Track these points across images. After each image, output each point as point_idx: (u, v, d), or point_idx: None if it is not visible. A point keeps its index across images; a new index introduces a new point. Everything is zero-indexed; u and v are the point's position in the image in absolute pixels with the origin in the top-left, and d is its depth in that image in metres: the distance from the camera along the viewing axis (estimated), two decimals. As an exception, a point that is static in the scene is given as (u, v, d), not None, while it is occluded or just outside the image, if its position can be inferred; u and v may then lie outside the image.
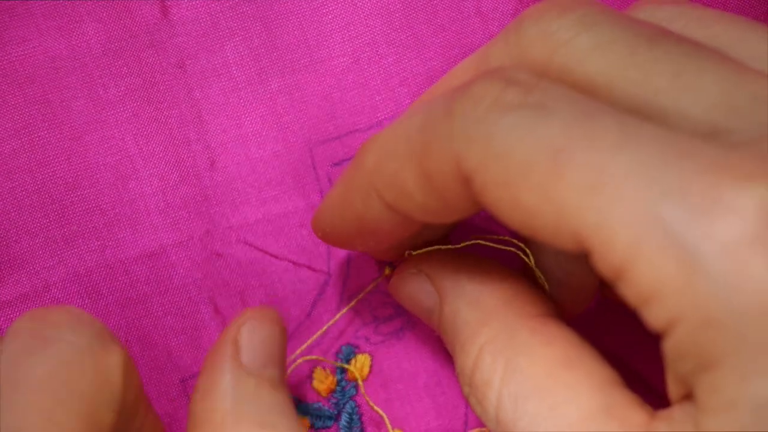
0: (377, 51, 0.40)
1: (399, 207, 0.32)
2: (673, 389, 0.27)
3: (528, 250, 0.36)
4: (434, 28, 0.40)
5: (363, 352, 0.40)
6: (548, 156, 0.27)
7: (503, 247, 0.36)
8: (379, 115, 0.40)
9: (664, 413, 0.28)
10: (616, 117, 0.27)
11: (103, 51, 0.38)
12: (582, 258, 0.35)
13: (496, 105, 0.28)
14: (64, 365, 0.29)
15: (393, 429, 0.39)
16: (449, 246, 0.37)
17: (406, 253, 0.37)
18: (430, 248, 0.37)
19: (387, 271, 0.39)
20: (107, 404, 0.30)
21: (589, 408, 0.29)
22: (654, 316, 0.26)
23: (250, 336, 0.35)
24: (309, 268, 0.39)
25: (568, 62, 0.30)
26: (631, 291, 0.26)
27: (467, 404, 0.40)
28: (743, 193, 0.25)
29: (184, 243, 0.39)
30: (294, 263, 0.39)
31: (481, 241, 0.37)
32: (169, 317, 0.39)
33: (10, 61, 0.38)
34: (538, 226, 0.28)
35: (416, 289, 0.36)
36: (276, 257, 0.39)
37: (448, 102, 0.29)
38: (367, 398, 0.39)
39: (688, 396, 0.27)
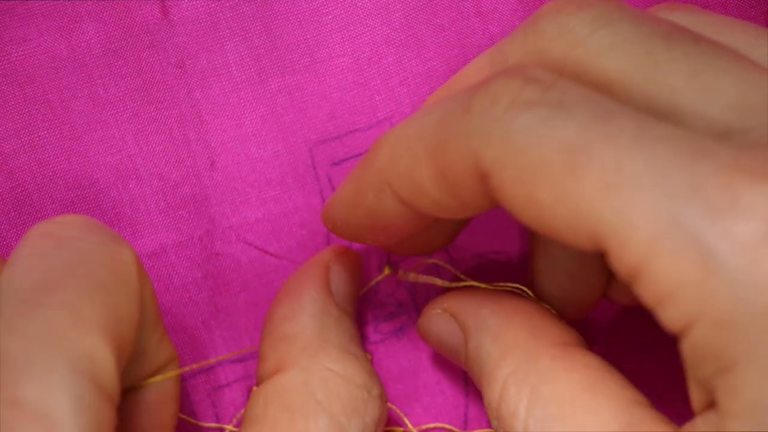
0: (377, 51, 0.40)
1: (413, 203, 0.32)
2: (695, 397, 0.27)
3: (527, 290, 0.36)
4: (434, 28, 0.40)
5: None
6: (565, 154, 0.27)
7: (501, 288, 0.37)
8: (378, 114, 0.40)
9: (686, 426, 0.28)
10: (633, 117, 0.27)
11: (103, 51, 0.38)
12: (587, 263, 0.35)
13: (515, 103, 0.28)
14: (82, 260, 0.30)
15: (390, 429, 0.39)
16: (450, 284, 0.37)
17: (401, 272, 0.38)
18: (425, 278, 0.38)
19: (386, 271, 0.39)
20: (128, 297, 0.31)
21: (613, 427, 0.30)
22: (670, 317, 0.26)
23: (339, 270, 0.37)
24: (309, 267, 0.39)
25: (585, 59, 0.30)
26: (647, 291, 0.26)
27: (467, 404, 0.40)
28: (759, 192, 0.25)
29: (185, 243, 0.39)
30: (294, 263, 0.39)
31: (477, 284, 0.37)
32: (169, 317, 0.39)
33: (10, 61, 0.38)
34: (554, 224, 0.28)
35: (442, 329, 0.36)
36: (276, 257, 0.39)
37: (466, 99, 0.29)
38: None
39: (712, 404, 0.27)
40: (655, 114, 0.29)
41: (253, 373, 0.39)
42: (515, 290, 0.37)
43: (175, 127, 0.39)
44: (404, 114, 0.40)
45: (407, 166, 0.31)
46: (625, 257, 0.26)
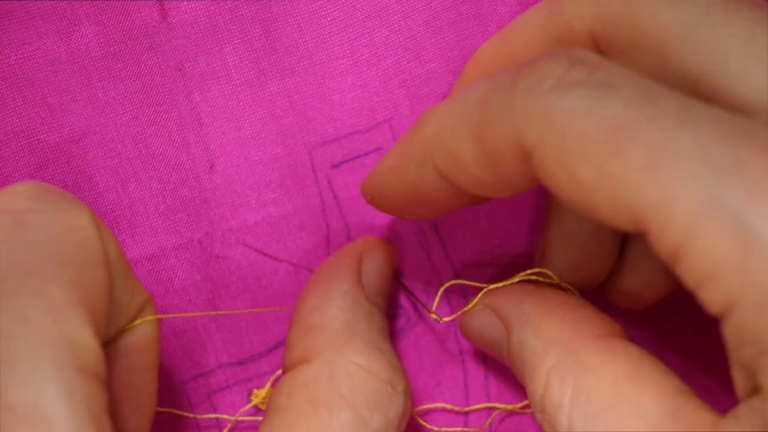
0: (376, 53, 0.40)
1: (454, 178, 0.32)
2: (739, 382, 0.27)
3: (549, 272, 0.37)
4: (433, 30, 0.40)
5: (362, 353, 0.40)
6: (608, 133, 0.27)
7: (524, 277, 0.37)
8: (377, 116, 0.40)
9: (731, 413, 0.28)
10: (677, 98, 0.27)
11: (102, 54, 0.38)
12: (600, 236, 0.35)
13: (560, 83, 0.28)
14: (42, 237, 0.30)
15: None
16: (469, 305, 0.37)
17: (435, 316, 0.38)
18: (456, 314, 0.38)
19: (387, 273, 0.39)
20: (94, 264, 0.30)
21: (657, 415, 0.30)
22: (711, 298, 0.26)
23: (371, 263, 0.37)
24: (309, 270, 0.39)
25: (641, 12, 0.31)
26: (688, 273, 0.26)
27: (467, 405, 0.40)
28: None
29: (184, 245, 0.39)
30: (294, 265, 0.39)
31: (490, 286, 0.37)
32: (169, 320, 0.39)
33: (9, 64, 0.38)
34: (595, 203, 0.28)
35: (484, 324, 0.36)
36: (276, 259, 0.39)
37: (512, 78, 0.30)
38: None
39: (756, 390, 0.27)
40: (706, 76, 0.29)
41: (253, 376, 0.39)
42: (536, 276, 0.37)
43: (174, 130, 0.39)
44: (403, 116, 0.40)
45: (450, 142, 0.31)
46: (665, 238, 0.26)
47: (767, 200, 0.25)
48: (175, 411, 0.39)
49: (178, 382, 0.39)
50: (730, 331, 0.26)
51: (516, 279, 0.37)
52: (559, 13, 0.33)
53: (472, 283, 0.38)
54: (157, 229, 0.39)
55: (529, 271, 0.37)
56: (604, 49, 0.32)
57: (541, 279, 0.37)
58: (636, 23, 0.31)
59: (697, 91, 0.30)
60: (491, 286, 0.37)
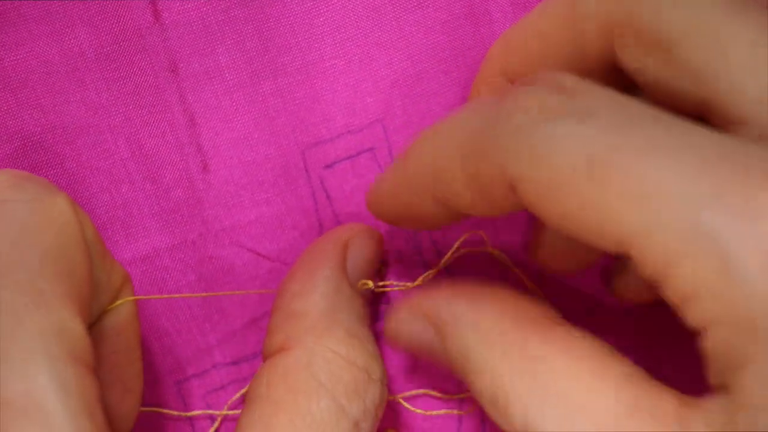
0: (368, 53, 0.40)
1: (447, 203, 0.33)
2: (713, 379, 0.28)
3: (483, 234, 0.37)
4: (424, 30, 0.40)
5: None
6: (589, 164, 0.27)
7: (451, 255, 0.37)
8: (370, 116, 0.40)
9: (696, 402, 0.29)
10: (658, 122, 0.28)
11: (96, 55, 0.38)
12: None
13: (541, 113, 0.29)
14: (22, 228, 0.30)
15: (387, 429, 0.40)
16: (410, 283, 0.38)
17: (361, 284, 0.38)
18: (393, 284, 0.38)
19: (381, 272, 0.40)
20: (76, 250, 0.30)
21: (616, 406, 0.30)
22: (691, 316, 0.27)
23: (358, 250, 0.38)
24: (302, 270, 0.40)
25: (645, 9, 0.31)
26: (670, 293, 0.27)
27: (458, 392, 0.40)
28: None
29: (178, 246, 0.39)
30: (287, 265, 0.40)
31: (413, 284, 0.37)
32: (163, 320, 0.39)
33: (2, 66, 0.38)
34: (580, 229, 0.28)
35: (413, 330, 0.36)
36: (269, 259, 0.40)
37: (495, 109, 0.30)
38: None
39: (725, 387, 0.28)
40: (708, 80, 0.29)
41: (248, 376, 0.40)
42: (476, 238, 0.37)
43: (167, 131, 0.39)
44: (396, 115, 0.40)
45: (441, 169, 0.32)
46: (649, 263, 0.27)
47: (746, 225, 0.26)
48: (156, 409, 0.39)
49: (172, 382, 0.39)
50: (707, 345, 0.27)
51: (450, 254, 0.37)
52: (571, 6, 0.33)
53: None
54: (150, 230, 0.39)
55: (462, 238, 0.37)
56: (614, 44, 0.32)
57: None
58: (640, 21, 0.31)
59: (700, 94, 0.30)
60: (416, 282, 0.37)
